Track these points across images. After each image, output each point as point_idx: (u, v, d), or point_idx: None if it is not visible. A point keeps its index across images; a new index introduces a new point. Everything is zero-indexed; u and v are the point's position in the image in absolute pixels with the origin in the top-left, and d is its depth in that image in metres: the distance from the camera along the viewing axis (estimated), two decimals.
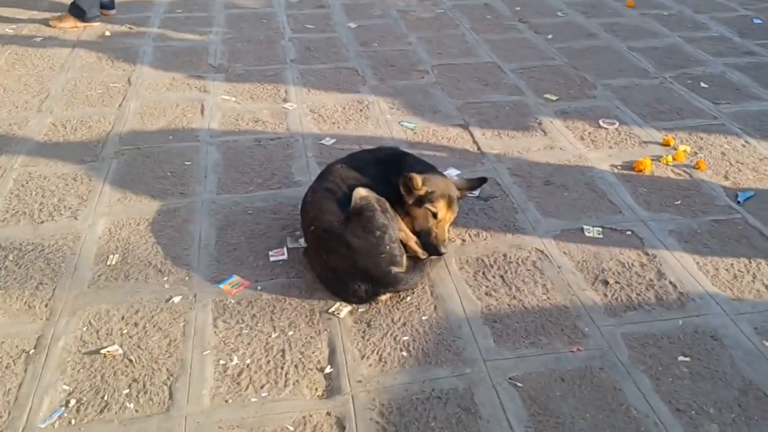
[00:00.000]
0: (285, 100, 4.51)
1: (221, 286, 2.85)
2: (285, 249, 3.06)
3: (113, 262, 2.98)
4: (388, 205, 2.90)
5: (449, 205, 2.99)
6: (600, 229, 3.19)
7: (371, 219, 2.76)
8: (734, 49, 5.32)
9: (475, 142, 4.00)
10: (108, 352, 2.50)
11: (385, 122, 4.21)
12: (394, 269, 2.73)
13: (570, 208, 3.37)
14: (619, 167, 3.72)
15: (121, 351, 2.52)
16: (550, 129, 4.13)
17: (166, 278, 2.89)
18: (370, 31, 5.78)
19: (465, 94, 4.58)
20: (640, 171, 3.67)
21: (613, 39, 5.53)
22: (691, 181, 3.59)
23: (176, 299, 2.77)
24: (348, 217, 2.81)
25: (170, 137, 4.03)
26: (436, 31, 5.78)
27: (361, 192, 2.87)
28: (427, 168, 3.14)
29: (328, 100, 4.51)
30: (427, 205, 2.95)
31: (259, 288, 2.84)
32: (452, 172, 3.65)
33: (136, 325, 2.64)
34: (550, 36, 5.61)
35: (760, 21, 5.94)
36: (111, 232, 3.18)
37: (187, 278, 2.89)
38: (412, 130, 4.12)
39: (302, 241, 3.09)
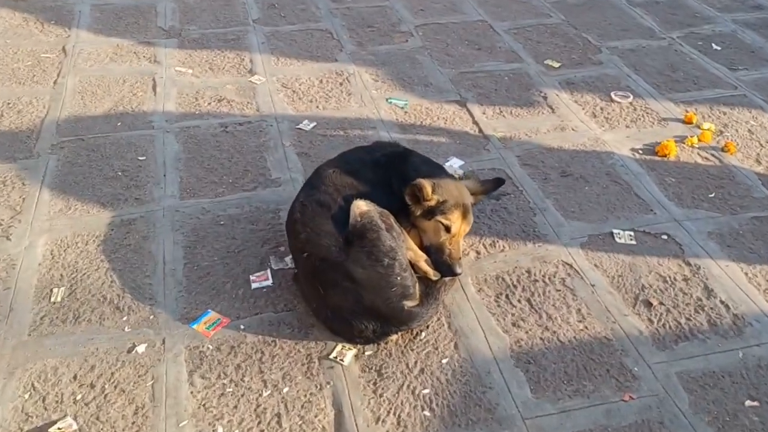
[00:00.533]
0: (251, 72, 3.90)
1: (194, 326, 2.34)
2: (268, 271, 2.56)
3: (59, 299, 2.43)
4: (392, 219, 2.42)
5: (464, 215, 2.52)
6: (632, 234, 2.78)
7: (377, 242, 2.27)
8: (741, 3, 4.87)
9: (475, 122, 3.50)
10: (59, 429, 2.00)
11: (371, 99, 3.66)
12: (407, 304, 2.27)
13: (594, 206, 2.94)
14: (641, 151, 3.29)
15: (75, 426, 2.01)
16: (557, 104, 3.65)
17: (125, 318, 2.37)
18: None
19: (457, 62, 4.04)
20: (665, 156, 3.25)
21: None
22: (721, 168, 3.19)
23: (141, 348, 2.25)
24: (348, 239, 2.31)
25: (119, 123, 3.40)
26: None
27: (361, 206, 2.37)
28: (433, 169, 2.65)
29: (302, 72, 3.92)
30: (439, 218, 2.47)
31: (242, 327, 2.34)
32: (455, 163, 3.16)
33: (92, 386, 2.13)
34: None
35: None
36: (54, 255, 2.61)
37: (151, 317, 2.37)
38: (402, 108, 3.59)
39: (289, 260, 2.59)
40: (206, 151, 3.22)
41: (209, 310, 2.40)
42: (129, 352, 2.24)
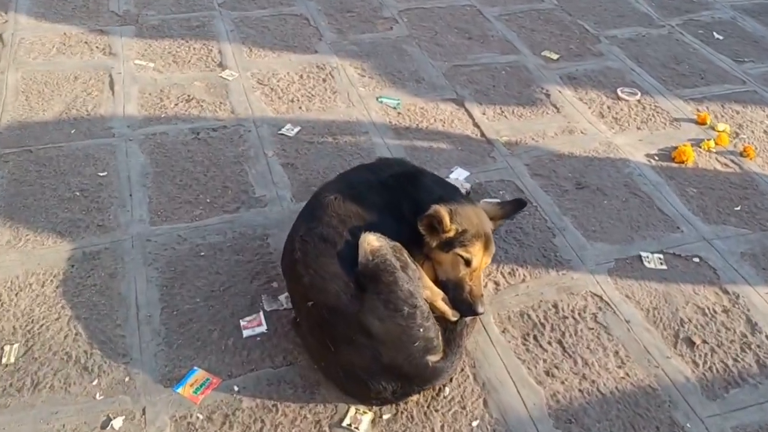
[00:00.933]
0: (221, 66, 3.47)
1: (179, 389, 1.99)
2: (261, 315, 2.21)
3: (12, 359, 2.03)
4: (405, 253, 2.09)
5: (486, 246, 2.21)
6: (661, 257, 2.52)
7: (393, 287, 1.94)
8: None
9: (476, 125, 3.17)
10: None
11: (359, 98, 3.29)
12: (432, 359, 1.96)
13: (616, 223, 2.67)
14: (657, 157, 3.03)
15: None
16: (561, 103, 3.35)
17: (96, 381, 1.99)
18: None
19: (449, 53, 3.69)
20: (682, 162, 3.01)
21: None
22: (742, 175, 2.96)
23: (117, 421, 1.89)
24: (359, 283, 1.97)
25: (73, 130, 2.96)
26: None
27: (372, 242, 2.03)
28: (448, 192, 2.32)
29: (279, 65, 3.51)
30: (459, 250, 2.16)
31: (236, 389, 2.00)
32: (460, 175, 2.84)
33: None
34: None
35: None
36: (3, 302, 2.20)
37: (127, 379, 2.01)
38: (394, 108, 3.24)
39: (283, 299, 2.25)
40: (177, 163, 2.82)
41: (195, 368, 2.04)
42: (103, 428, 1.88)
